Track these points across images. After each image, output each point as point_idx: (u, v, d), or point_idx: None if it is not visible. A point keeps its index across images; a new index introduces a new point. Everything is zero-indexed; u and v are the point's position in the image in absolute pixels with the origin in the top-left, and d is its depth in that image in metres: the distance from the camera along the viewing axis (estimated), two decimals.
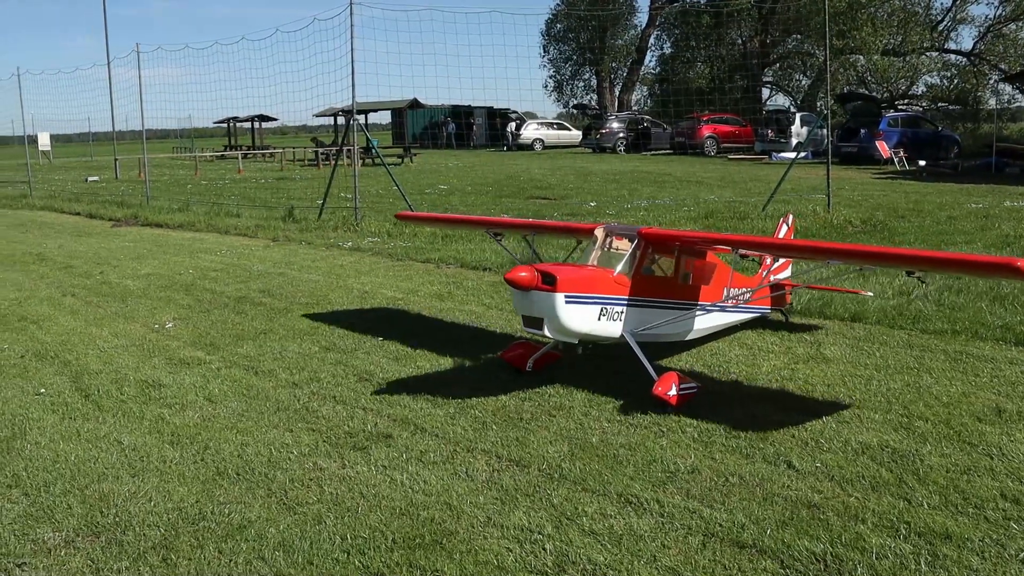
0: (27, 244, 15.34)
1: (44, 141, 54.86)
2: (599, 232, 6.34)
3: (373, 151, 28.76)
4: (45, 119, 28.90)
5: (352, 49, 15.27)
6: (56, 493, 4.67)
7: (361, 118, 17.95)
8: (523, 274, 5.63)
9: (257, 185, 27.62)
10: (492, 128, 53.62)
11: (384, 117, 59.77)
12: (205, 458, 5.09)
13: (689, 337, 6.75)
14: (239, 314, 8.73)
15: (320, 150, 40.60)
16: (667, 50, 53.45)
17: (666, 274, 6.40)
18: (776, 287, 7.55)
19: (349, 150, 18.45)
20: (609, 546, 4.02)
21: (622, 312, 6.03)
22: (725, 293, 6.75)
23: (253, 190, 25.34)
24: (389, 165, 18.73)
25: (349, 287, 10.06)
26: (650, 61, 55.91)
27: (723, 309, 6.83)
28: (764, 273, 7.52)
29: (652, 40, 54.36)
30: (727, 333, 7.32)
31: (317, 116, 48.70)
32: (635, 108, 55.11)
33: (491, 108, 53.30)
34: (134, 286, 10.50)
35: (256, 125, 56.77)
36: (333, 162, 18.51)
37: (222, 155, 52.10)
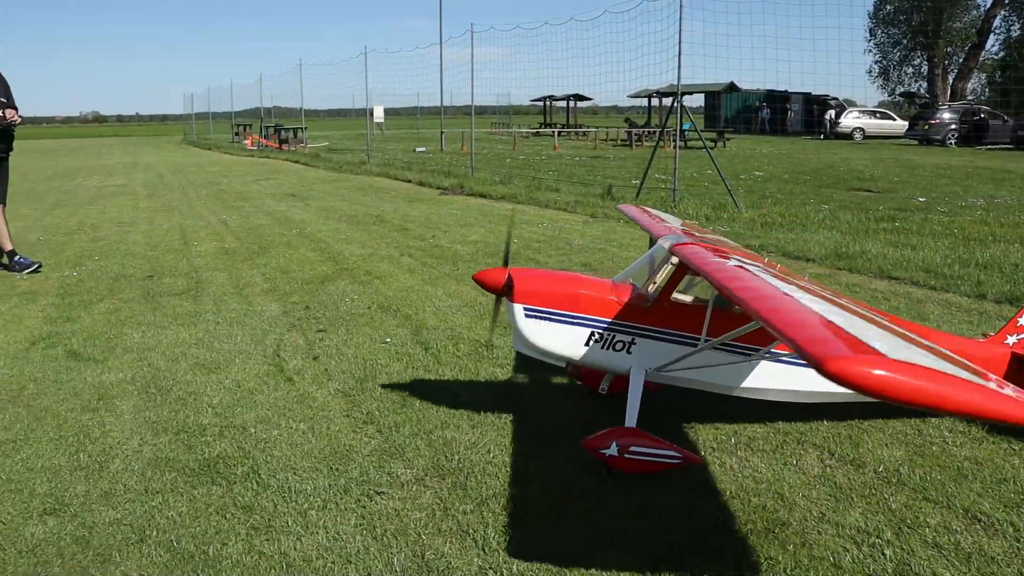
0: (368, 206, 16.82)
1: (379, 114, 59.46)
2: (663, 243, 4.99)
3: (688, 134, 28.65)
4: (378, 94, 31.48)
5: (680, 30, 15.21)
6: (405, 434, 5.10)
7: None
8: (490, 275, 4.82)
9: (572, 162, 28.39)
10: (808, 115, 51.53)
11: (697, 100, 59.12)
12: (522, 419, 5.34)
13: (747, 393, 5.00)
14: None
15: (633, 131, 40.93)
16: (1015, 33, 48.55)
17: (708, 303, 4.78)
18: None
19: (667, 132, 18.43)
20: (956, 563, 3.76)
21: (631, 342, 4.81)
22: None
23: (569, 167, 26.08)
24: (701, 149, 18.56)
25: None
26: (992, 45, 51.10)
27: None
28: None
29: (997, 22, 49.60)
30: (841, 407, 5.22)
31: (631, 97, 49.07)
32: (970, 97, 50.68)
33: (808, 94, 51.16)
34: (463, 251, 11.19)
35: (571, 104, 58.25)
36: (654, 142, 18.54)
37: (537, 132, 54.02)
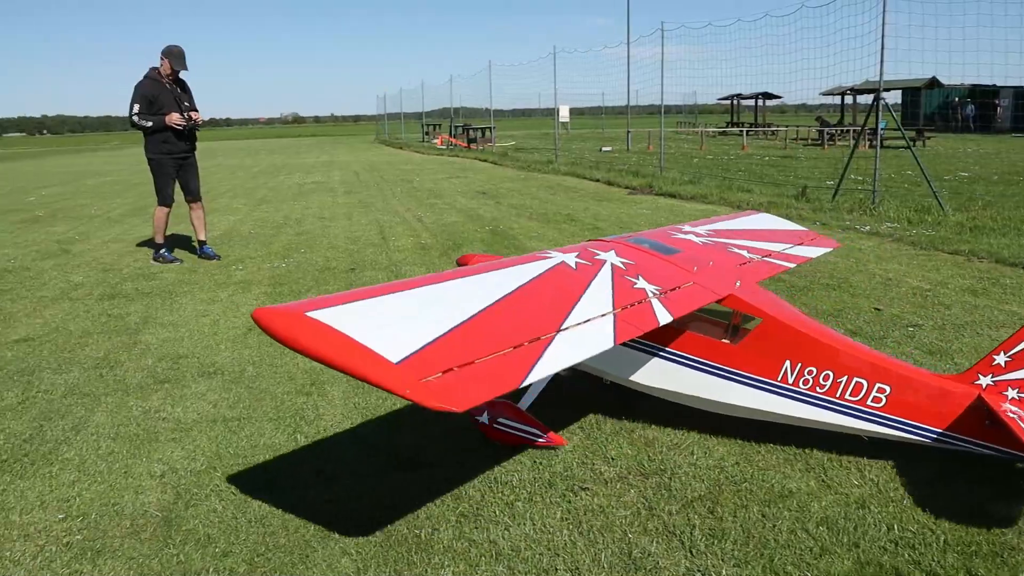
0: (557, 205, 16.97)
1: (564, 113, 59.89)
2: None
3: (884, 132, 27.27)
4: (564, 93, 31.68)
5: (883, 23, 14.51)
6: (607, 432, 5.11)
7: (870, 98, 16.98)
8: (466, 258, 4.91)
9: (761, 162, 27.65)
10: (1018, 110, 47.91)
11: (894, 97, 56.22)
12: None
13: (654, 392, 5.10)
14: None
15: (825, 130, 39.42)
16: None
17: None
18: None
19: (861, 130, 17.62)
20: None
21: None
22: (785, 368, 4.62)
23: (759, 167, 25.42)
24: (898, 148, 17.61)
25: (871, 272, 9.67)
26: None
27: (771, 389, 4.68)
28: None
29: None
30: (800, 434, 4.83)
31: (823, 94, 47.25)
32: None
33: (1020, 88, 47.59)
34: None
35: (759, 102, 56.76)
36: (852, 142, 17.78)
37: (724, 131, 52.96)
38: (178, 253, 12.17)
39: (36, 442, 5.29)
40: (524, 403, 4.99)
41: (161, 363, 6.86)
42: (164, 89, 11.06)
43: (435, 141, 50.64)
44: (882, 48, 14.43)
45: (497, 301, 3.84)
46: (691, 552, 3.80)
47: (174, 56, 11.08)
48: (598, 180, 22.36)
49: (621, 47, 29.15)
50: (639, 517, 4.11)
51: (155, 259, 11.82)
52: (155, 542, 4.03)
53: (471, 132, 45.26)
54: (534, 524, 4.06)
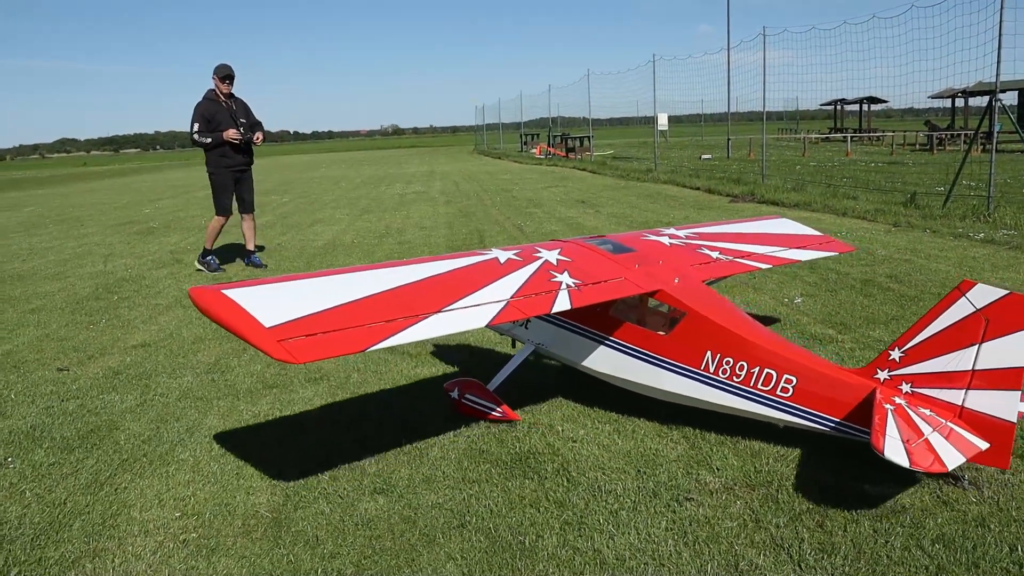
0: (658, 213, 16.83)
1: (663, 121, 59.28)
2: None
3: (999, 136, 26.18)
4: (662, 101, 31.29)
5: (1001, 20, 13.95)
6: (711, 442, 5.03)
7: (985, 100, 16.33)
8: None
9: (867, 168, 26.90)
10: None
11: (1009, 98, 54.03)
12: None
13: (595, 373, 5.66)
14: (867, 296, 8.57)
15: (934, 134, 38.10)
16: None
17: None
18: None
19: (976, 135, 16.94)
20: None
21: (527, 320, 5.91)
22: (706, 358, 5.00)
23: (864, 173, 24.74)
24: (1014, 152, 16.90)
25: (985, 281, 9.27)
26: None
27: (695, 377, 5.06)
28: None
29: None
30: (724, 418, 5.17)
31: (932, 98, 45.63)
32: None
33: None
34: None
35: (864, 107, 55.21)
36: (966, 146, 17.15)
37: (827, 137, 51.71)
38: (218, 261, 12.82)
39: (154, 443, 5.50)
40: (492, 384, 5.72)
41: (269, 369, 7.04)
42: (221, 107, 12.07)
43: (533, 151, 50.81)
44: (999, 47, 13.87)
45: (401, 286, 4.61)
46: (800, 566, 3.70)
47: (219, 71, 12.13)
48: (698, 188, 22.10)
49: (721, 53, 28.79)
50: (746, 529, 4.03)
51: (200, 264, 12.62)
52: (266, 542, 4.13)
53: (569, 141, 45.25)
54: (639, 534, 4.02)
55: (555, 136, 50.20)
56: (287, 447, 5.32)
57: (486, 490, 4.57)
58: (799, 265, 10.36)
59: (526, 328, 6.01)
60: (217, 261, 12.73)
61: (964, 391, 4.16)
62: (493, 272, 5.01)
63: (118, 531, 4.33)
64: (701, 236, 6.70)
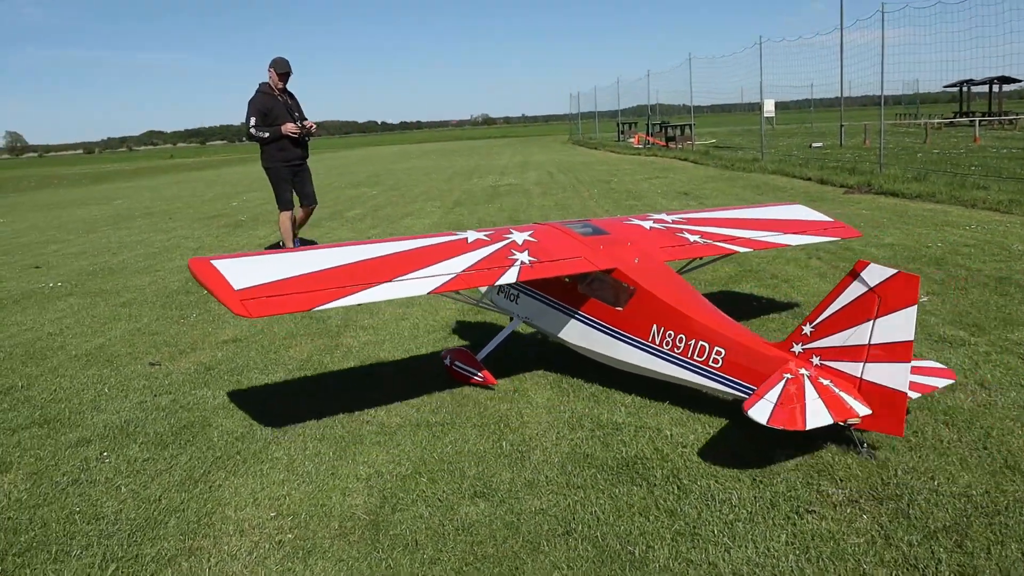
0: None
1: (768, 108, 58.19)
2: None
3: None
4: (769, 86, 30.43)
5: None
6: (833, 450, 4.88)
7: None
8: None
9: (998, 155, 25.87)
10: None
11: None
12: (988, 446, 4.88)
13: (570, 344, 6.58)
14: (1003, 296, 8.22)
15: None
16: None
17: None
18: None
19: None
20: None
21: (517, 296, 6.96)
22: (653, 331, 5.79)
23: (995, 160, 23.80)
24: None
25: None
26: None
27: (644, 348, 5.86)
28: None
29: None
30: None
31: None
32: None
33: None
34: (878, 254, 10.60)
35: (995, 88, 53.17)
36: None
37: (951, 122, 50.02)
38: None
39: (247, 440, 5.63)
40: (482, 353, 6.69)
41: (362, 366, 7.14)
42: (276, 101, 12.28)
43: (631, 140, 50.44)
44: None
45: (369, 259, 5.61)
46: None
47: (278, 66, 12.34)
48: (809, 179, 21.59)
49: (833, 34, 28.04)
50: (874, 546, 3.90)
51: None
52: (363, 545, 4.18)
53: (669, 130, 44.74)
54: (756, 547, 3.93)
55: (654, 124, 49.70)
56: (384, 448, 5.37)
57: (592, 496, 4.53)
58: (923, 260, 10.03)
59: (516, 303, 6.96)
60: None
61: (863, 364, 4.66)
62: (457, 249, 5.97)
63: (213, 530, 4.44)
64: (689, 221, 7.52)
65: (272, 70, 12.35)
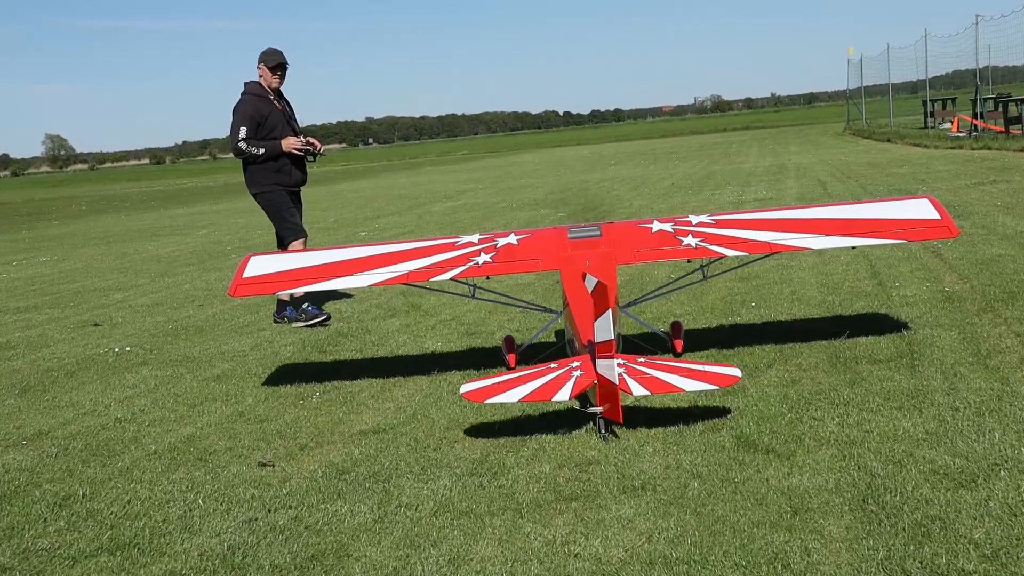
0: None
1: None
2: None
3: None
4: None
5: None
6: None
7: None
8: None
9: None
10: None
11: None
12: None
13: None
14: None
15: None
16: None
17: None
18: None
19: None
20: None
21: None
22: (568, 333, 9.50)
23: None
24: None
25: None
26: None
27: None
28: None
29: None
30: None
31: None
32: None
33: None
34: None
35: None
36: None
37: None
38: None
39: (403, 574, 5.67)
40: (525, 344, 10.30)
41: (563, 469, 7.08)
42: (272, 106, 12.46)
43: (946, 126, 49.05)
44: None
45: (357, 258, 9.85)
46: None
47: (270, 58, 12.52)
48: None
49: None
50: None
51: (292, 318, 13.43)
52: None
53: (1012, 106, 42.33)
54: None
55: (986, 100, 47.05)
56: None
57: None
58: None
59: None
60: (318, 307, 13.51)
61: (611, 360, 7.37)
62: (434, 251, 9.77)
63: None
64: (719, 224, 9.68)
65: (262, 65, 12.51)
